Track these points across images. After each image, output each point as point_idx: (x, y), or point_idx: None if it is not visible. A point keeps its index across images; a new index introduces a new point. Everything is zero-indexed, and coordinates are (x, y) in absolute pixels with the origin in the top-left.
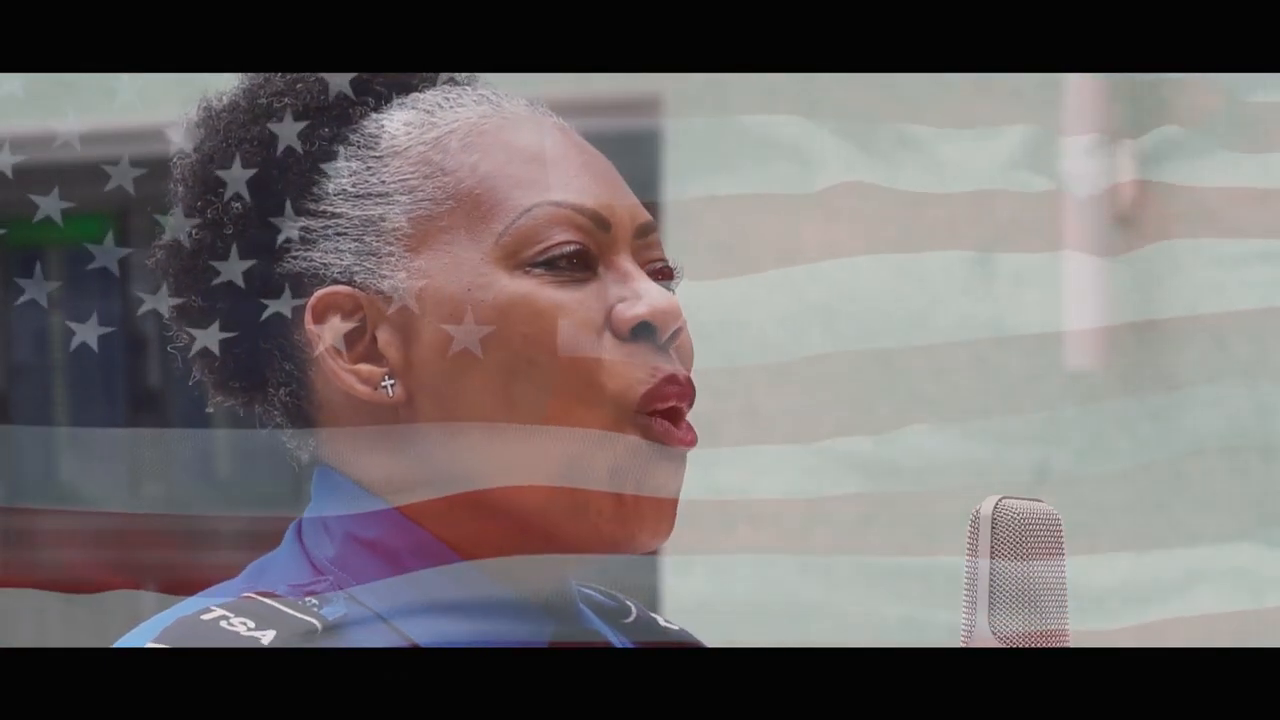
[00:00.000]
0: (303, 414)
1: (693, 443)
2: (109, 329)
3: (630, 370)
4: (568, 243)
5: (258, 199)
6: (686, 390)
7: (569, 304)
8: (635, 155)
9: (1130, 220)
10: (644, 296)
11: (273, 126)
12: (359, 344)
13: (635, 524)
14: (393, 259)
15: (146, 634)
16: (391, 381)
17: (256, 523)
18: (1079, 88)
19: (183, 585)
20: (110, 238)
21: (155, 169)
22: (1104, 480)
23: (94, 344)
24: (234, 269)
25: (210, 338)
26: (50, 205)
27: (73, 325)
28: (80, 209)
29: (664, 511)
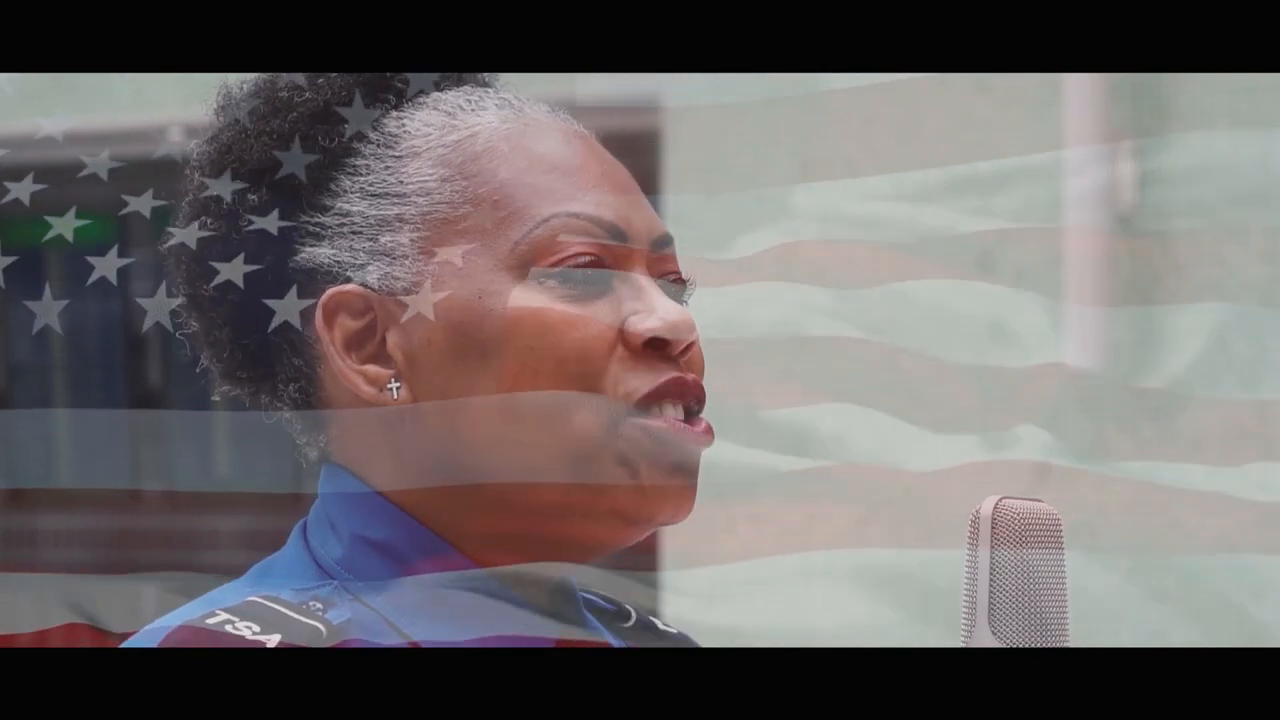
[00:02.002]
0: (311, 410)
1: (707, 435)
2: (64, 302)
3: (632, 377)
4: (583, 254)
5: (274, 192)
6: (691, 389)
7: (580, 318)
8: (635, 155)
9: (1130, 220)
10: (657, 310)
11: (280, 155)
12: (368, 344)
13: (655, 502)
14: (406, 261)
15: (151, 638)
16: (397, 384)
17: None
18: (1079, 88)
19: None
20: (72, 213)
21: (152, 169)
22: (1104, 480)
23: (56, 324)
24: (236, 270)
25: (235, 270)
26: (64, 225)
27: (30, 305)
28: (80, 208)
29: (682, 488)
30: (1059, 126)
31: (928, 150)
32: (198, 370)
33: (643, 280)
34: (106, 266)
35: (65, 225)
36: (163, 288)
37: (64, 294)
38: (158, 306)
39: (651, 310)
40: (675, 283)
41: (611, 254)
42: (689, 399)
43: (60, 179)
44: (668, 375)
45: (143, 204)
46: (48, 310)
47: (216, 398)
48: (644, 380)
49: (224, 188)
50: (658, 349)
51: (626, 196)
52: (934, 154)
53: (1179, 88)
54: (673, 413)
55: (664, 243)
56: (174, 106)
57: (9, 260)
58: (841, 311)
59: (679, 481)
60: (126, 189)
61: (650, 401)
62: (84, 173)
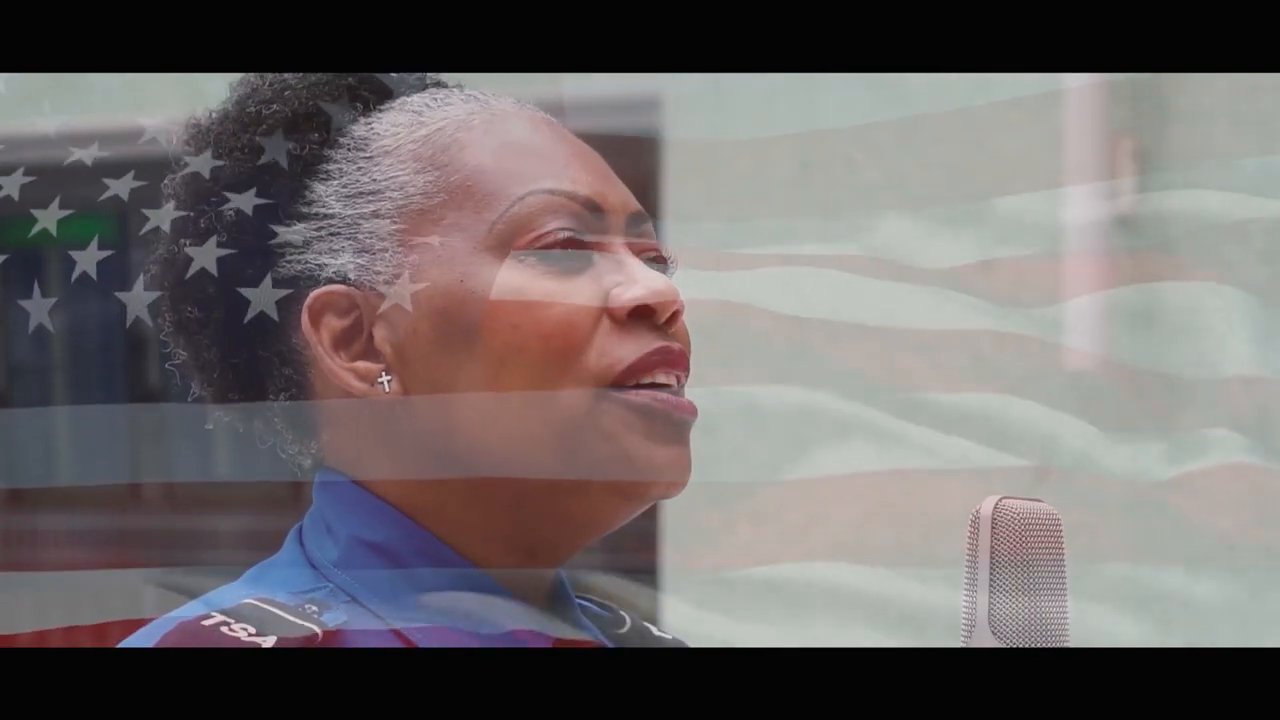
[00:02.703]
0: (303, 419)
1: (688, 409)
2: (53, 300)
3: (618, 347)
4: (561, 229)
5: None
6: (677, 360)
7: (562, 293)
8: (635, 155)
9: (1130, 220)
10: (640, 280)
11: (261, 139)
12: (356, 342)
13: (649, 476)
14: (386, 255)
15: (147, 639)
16: (388, 378)
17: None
18: (1079, 88)
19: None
20: (55, 205)
21: (147, 169)
22: (1104, 480)
23: (48, 322)
24: (208, 257)
25: (207, 255)
26: (48, 218)
27: (24, 304)
28: (79, 208)
29: (675, 457)
30: (1059, 126)
31: (928, 150)
32: (190, 400)
33: (623, 254)
34: (87, 261)
35: (49, 219)
36: (140, 281)
37: (60, 292)
38: (136, 300)
39: (634, 280)
40: (656, 261)
41: (590, 228)
42: (677, 368)
43: (54, 177)
44: (655, 344)
45: (122, 187)
46: (39, 308)
47: (210, 426)
48: (630, 350)
49: (204, 169)
50: (643, 318)
51: (599, 175)
52: (934, 154)
53: (1179, 88)
54: (664, 378)
55: (640, 219)
56: (174, 106)
57: (2, 258)
58: (841, 310)
59: (670, 450)
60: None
61: (638, 371)
62: (69, 160)
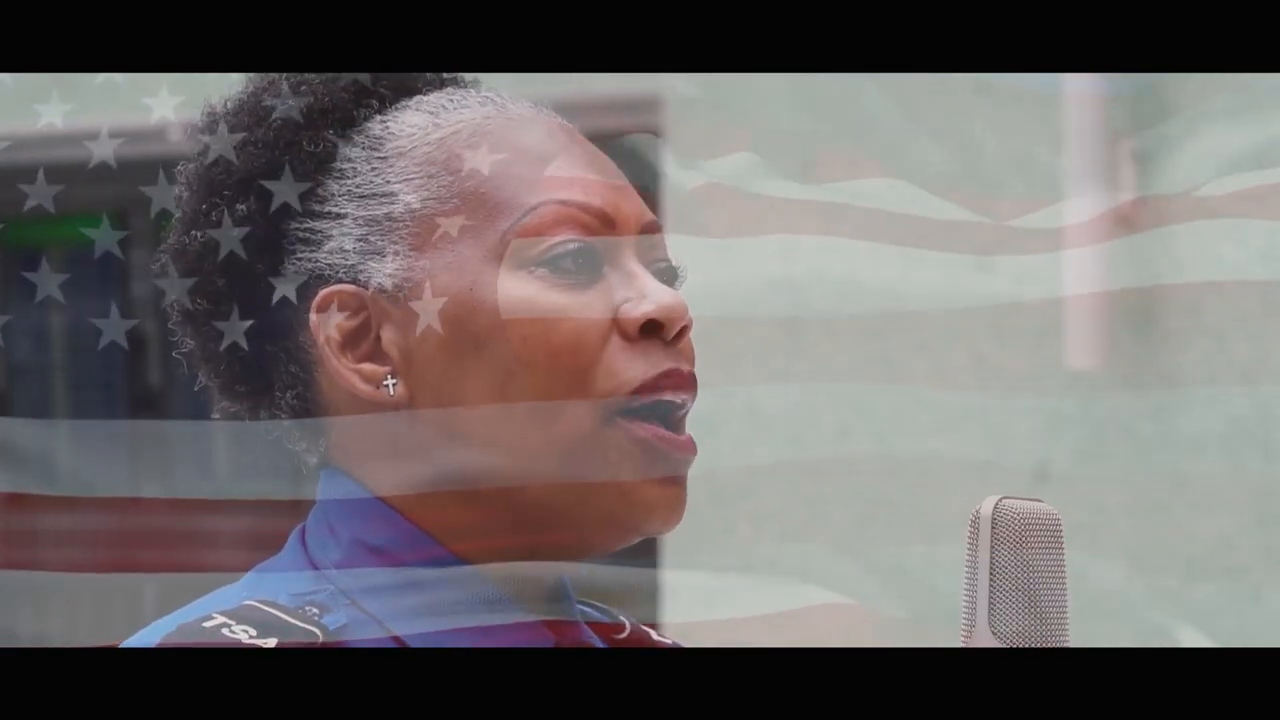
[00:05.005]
0: (309, 417)
1: (689, 448)
2: (133, 321)
3: (629, 366)
4: (572, 240)
5: (263, 202)
6: (685, 383)
7: (573, 307)
8: (635, 155)
9: (1130, 220)
10: (650, 295)
11: (267, 184)
12: (363, 343)
13: (642, 512)
14: (397, 258)
15: (148, 640)
16: (394, 380)
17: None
18: (1079, 88)
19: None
20: (106, 223)
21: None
22: (1104, 480)
23: (122, 340)
24: (236, 329)
25: (235, 330)
26: (40, 193)
27: (98, 322)
28: (80, 208)
29: (670, 497)
30: (1059, 126)
31: (928, 150)
32: (196, 389)
33: (633, 266)
34: (176, 290)
35: (108, 238)
36: (114, 307)
37: (69, 293)
38: (114, 326)
39: (644, 295)
40: (665, 271)
41: (601, 240)
42: (685, 391)
43: (69, 177)
44: (665, 366)
45: (162, 195)
46: (115, 328)
47: (217, 416)
48: (640, 370)
49: (219, 161)
50: (653, 333)
51: (613, 184)
52: (934, 154)
53: (1179, 88)
54: (671, 396)
55: (652, 229)
56: (180, 99)
57: (62, 277)
58: (842, 310)
59: (666, 491)
60: (136, 179)
61: (646, 391)
62: (93, 162)
